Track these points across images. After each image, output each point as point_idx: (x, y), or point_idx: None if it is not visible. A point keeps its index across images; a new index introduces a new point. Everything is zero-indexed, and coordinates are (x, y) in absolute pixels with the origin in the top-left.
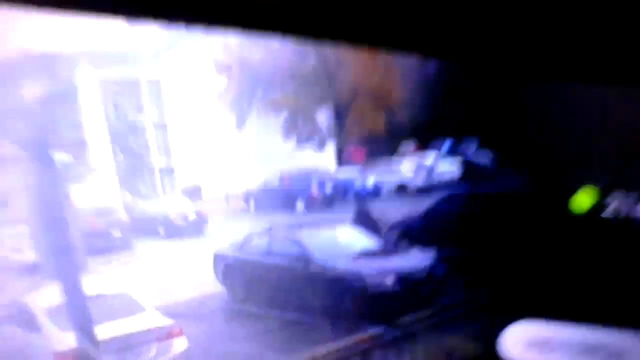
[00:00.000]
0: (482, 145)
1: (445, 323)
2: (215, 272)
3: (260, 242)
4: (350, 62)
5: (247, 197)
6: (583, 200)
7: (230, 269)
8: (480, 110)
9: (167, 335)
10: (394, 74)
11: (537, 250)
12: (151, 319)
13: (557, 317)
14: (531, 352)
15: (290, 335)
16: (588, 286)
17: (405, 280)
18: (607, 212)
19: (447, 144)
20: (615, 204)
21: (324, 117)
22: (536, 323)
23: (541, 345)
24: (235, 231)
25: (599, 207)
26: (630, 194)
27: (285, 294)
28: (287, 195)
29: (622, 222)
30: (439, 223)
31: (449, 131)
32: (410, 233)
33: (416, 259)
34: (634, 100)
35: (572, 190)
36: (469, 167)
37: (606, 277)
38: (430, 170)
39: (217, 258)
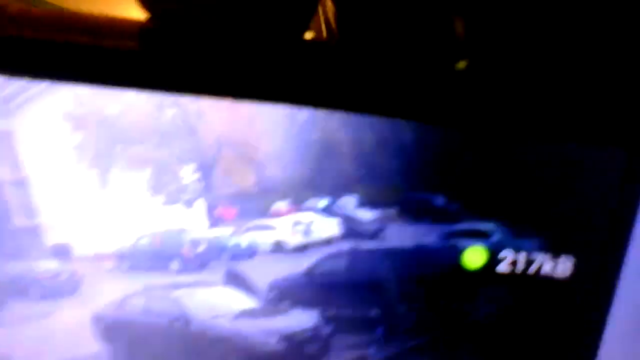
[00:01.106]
0: (363, 201)
1: None
2: (95, 333)
3: (137, 302)
4: (211, 114)
5: (119, 257)
6: (474, 257)
7: (110, 330)
8: (361, 164)
9: None
10: (261, 125)
11: (428, 307)
12: None
13: None
14: None
15: None
16: (482, 343)
17: (290, 339)
18: (504, 269)
19: (323, 202)
20: (510, 261)
21: (190, 174)
22: None
23: None
24: (110, 291)
25: (493, 263)
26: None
27: (168, 354)
28: (159, 255)
29: (521, 279)
30: (321, 282)
31: (326, 188)
32: (291, 292)
33: (299, 318)
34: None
35: (463, 246)
36: (349, 225)
37: (501, 334)
38: (307, 229)
39: (96, 319)
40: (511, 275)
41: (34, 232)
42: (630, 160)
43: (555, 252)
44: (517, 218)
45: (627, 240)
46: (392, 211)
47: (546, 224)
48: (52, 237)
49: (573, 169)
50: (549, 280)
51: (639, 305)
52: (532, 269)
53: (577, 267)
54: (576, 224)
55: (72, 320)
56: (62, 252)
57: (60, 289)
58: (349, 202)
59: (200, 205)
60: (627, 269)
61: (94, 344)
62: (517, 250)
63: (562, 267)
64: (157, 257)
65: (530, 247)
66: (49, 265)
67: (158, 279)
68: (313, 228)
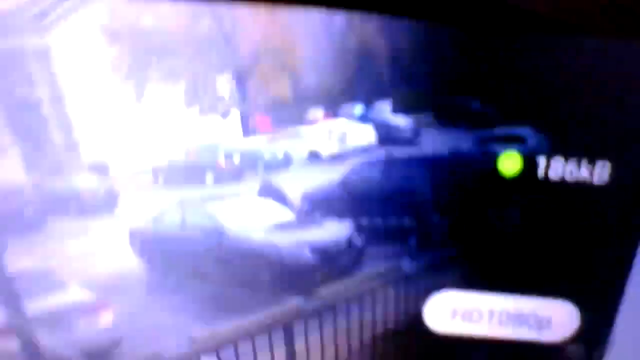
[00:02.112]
0: (398, 107)
1: (367, 294)
2: (133, 247)
3: (173, 217)
4: (247, 22)
5: (155, 171)
6: (509, 163)
7: (147, 244)
8: (395, 69)
9: (92, 309)
10: (296, 33)
11: (462, 216)
12: (76, 294)
13: (483, 286)
14: (456, 321)
15: (211, 307)
16: (517, 253)
17: (322, 251)
18: (541, 176)
19: (359, 108)
20: (549, 167)
21: (225, 84)
22: (460, 292)
23: (466, 314)
24: (147, 206)
25: (529, 170)
26: (571, 157)
27: (203, 266)
28: (195, 168)
29: (557, 186)
30: (355, 191)
31: (360, 93)
32: (326, 203)
33: (332, 229)
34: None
35: (499, 152)
36: (384, 132)
37: (536, 244)
38: (343, 137)
39: (133, 233)
40: (548, 182)
41: (72, 148)
42: None
43: (592, 157)
44: (553, 121)
45: None
46: (427, 117)
47: (582, 127)
48: (90, 153)
49: (608, 67)
50: (588, 187)
51: None
52: (570, 176)
53: (615, 172)
54: (613, 127)
55: (110, 234)
56: (100, 167)
57: (98, 205)
58: (383, 108)
59: (235, 115)
60: None
61: (132, 259)
62: (553, 155)
63: (599, 172)
64: (192, 170)
65: (566, 153)
66: (87, 181)
67: (193, 192)
68: (348, 135)
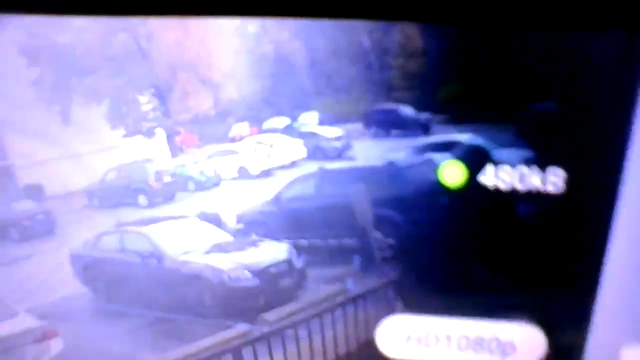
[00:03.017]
0: (325, 117)
1: (315, 318)
2: (75, 272)
3: (111, 240)
4: (161, 35)
5: (89, 193)
6: (452, 173)
7: (89, 268)
8: (318, 76)
9: (43, 336)
10: (212, 44)
11: (406, 233)
12: (25, 322)
13: (437, 309)
14: (411, 346)
15: (159, 333)
16: (469, 271)
17: (262, 273)
18: (488, 185)
19: (285, 120)
20: (497, 176)
21: (147, 102)
22: (413, 316)
23: (421, 339)
24: (85, 229)
25: (474, 179)
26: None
27: (146, 291)
28: (127, 189)
29: (507, 196)
30: (290, 209)
31: (285, 105)
32: (260, 223)
33: (271, 250)
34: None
35: (439, 161)
36: (313, 145)
37: (490, 260)
38: (271, 151)
39: (74, 258)
40: (496, 192)
41: (5, 173)
42: (629, 43)
43: (543, 164)
44: (498, 124)
45: (626, 150)
46: (357, 126)
47: (531, 129)
48: (23, 178)
49: (564, 59)
50: (540, 196)
51: None
52: (520, 185)
53: (570, 180)
54: (566, 130)
55: (52, 260)
56: (34, 192)
57: (37, 229)
58: (310, 120)
59: (161, 134)
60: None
61: (75, 283)
62: (500, 163)
63: (553, 180)
64: (124, 192)
65: (514, 160)
66: (24, 206)
67: (128, 215)
68: (276, 150)
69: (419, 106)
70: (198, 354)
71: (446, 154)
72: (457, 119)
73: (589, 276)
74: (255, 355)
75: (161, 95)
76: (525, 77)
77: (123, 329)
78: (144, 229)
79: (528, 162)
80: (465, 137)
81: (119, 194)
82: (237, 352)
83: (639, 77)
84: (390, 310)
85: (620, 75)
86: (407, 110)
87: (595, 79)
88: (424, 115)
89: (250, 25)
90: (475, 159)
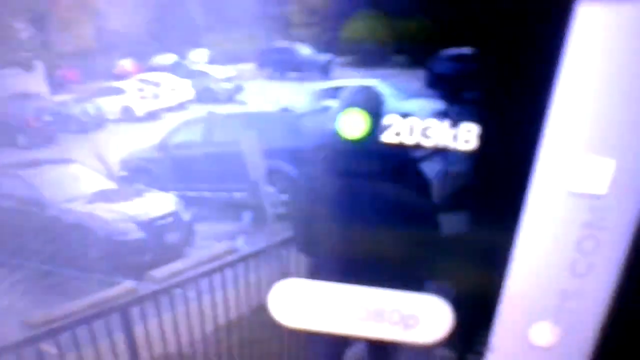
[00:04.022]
0: (216, 56)
1: (204, 278)
2: None
3: None
4: None
5: None
6: (352, 123)
7: None
8: (209, 10)
9: None
10: None
11: (299, 187)
12: None
13: (334, 274)
14: (305, 313)
15: (43, 288)
16: (368, 234)
17: (147, 225)
18: (390, 139)
19: (173, 57)
20: (400, 130)
21: (25, 31)
22: (308, 281)
23: (316, 306)
24: None
25: (375, 132)
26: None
27: (26, 241)
28: (4, 126)
29: (412, 153)
30: (178, 157)
31: (172, 40)
32: (146, 170)
33: (156, 201)
34: None
35: (339, 109)
36: (203, 85)
37: (391, 222)
38: (157, 91)
39: None
40: (401, 147)
41: None
42: None
43: (456, 118)
44: (407, 70)
45: (547, 109)
46: (250, 66)
47: (444, 78)
48: None
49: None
50: (451, 154)
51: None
52: (427, 140)
53: (484, 136)
54: (484, 80)
55: None
56: None
57: None
58: (200, 58)
59: (40, 67)
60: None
61: None
62: (406, 115)
63: (464, 137)
64: (1, 129)
65: (424, 112)
66: None
67: (6, 156)
68: (163, 90)
69: (320, 46)
70: (84, 311)
71: (347, 101)
72: (361, 63)
73: (499, 246)
74: (144, 316)
75: (39, 23)
76: (440, 16)
77: (7, 281)
78: (24, 172)
79: (438, 115)
80: (369, 83)
81: None
82: (124, 312)
83: (566, 26)
84: (284, 274)
85: (547, 23)
86: (306, 51)
87: (518, 25)
88: (325, 57)
89: None
90: (378, 109)
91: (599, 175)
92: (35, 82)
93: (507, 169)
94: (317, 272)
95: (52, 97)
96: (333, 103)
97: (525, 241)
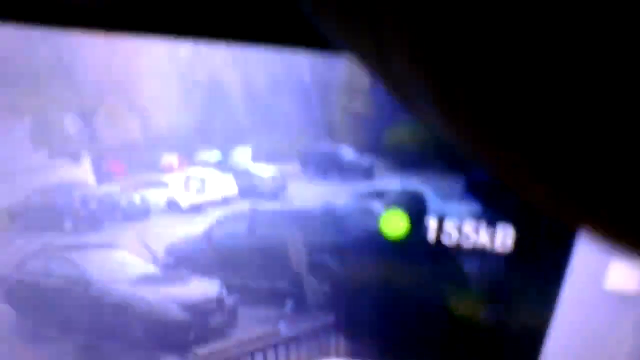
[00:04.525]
0: (260, 154)
1: (246, 357)
2: None
3: (37, 264)
4: (87, 52)
5: (10, 213)
6: (393, 223)
7: (13, 291)
8: (254, 109)
9: None
10: (141, 64)
11: (342, 281)
12: None
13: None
14: None
15: None
16: (408, 324)
17: (191, 308)
18: (430, 239)
19: (217, 154)
20: (441, 231)
21: (72, 123)
22: None
23: None
24: (9, 251)
25: (417, 233)
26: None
27: (72, 317)
28: (52, 212)
29: (451, 252)
30: (221, 246)
31: (217, 138)
32: (190, 258)
33: (200, 286)
34: None
35: (380, 210)
36: (246, 182)
37: (431, 316)
38: (201, 186)
39: None
40: (439, 247)
41: None
42: None
43: (493, 220)
44: (448, 175)
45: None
46: (293, 166)
47: (482, 183)
48: None
49: None
50: (487, 254)
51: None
52: (465, 240)
53: (520, 238)
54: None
55: None
56: None
57: None
58: (244, 155)
59: (87, 158)
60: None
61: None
62: (446, 216)
63: (501, 239)
64: (49, 215)
65: (462, 214)
66: None
67: (54, 239)
68: (207, 185)
69: (363, 149)
70: None
71: (388, 203)
72: (403, 167)
73: (530, 345)
74: None
75: (87, 118)
76: None
77: (48, 352)
78: (70, 255)
79: (477, 217)
80: (410, 186)
81: (44, 217)
82: None
83: None
84: (323, 355)
85: None
86: (349, 153)
87: None
88: (367, 160)
89: (183, 49)
90: (419, 211)
91: (633, 274)
92: (82, 173)
93: (542, 268)
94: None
95: (99, 187)
96: (375, 204)
97: (558, 336)
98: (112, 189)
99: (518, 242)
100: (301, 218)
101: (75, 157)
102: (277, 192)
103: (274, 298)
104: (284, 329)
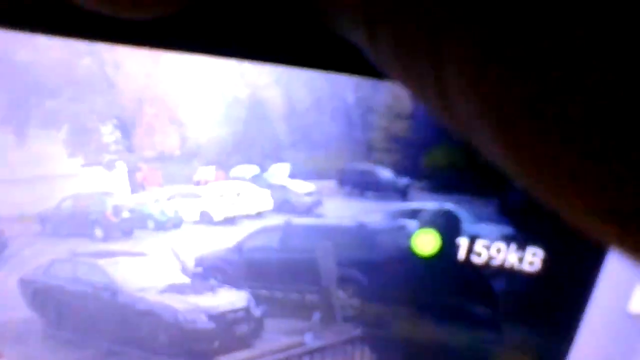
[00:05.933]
0: (297, 171)
1: None
2: (24, 297)
3: (64, 268)
4: (129, 65)
5: (41, 219)
6: (425, 242)
7: (39, 295)
8: (294, 128)
9: None
10: (183, 79)
11: (370, 295)
12: None
13: None
14: None
15: None
16: (435, 340)
17: (218, 318)
18: (461, 258)
19: (254, 169)
20: (471, 250)
21: (109, 133)
22: None
23: None
24: (37, 255)
25: (447, 250)
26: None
27: (98, 322)
28: (83, 219)
29: (479, 271)
30: (252, 259)
31: (256, 154)
32: (220, 269)
33: (228, 297)
34: None
35: (413, 228)
36: (282, 197)
37: (458, 333)
38: (237, 200)
39: (24, 283)
40: (469, 266)
41: None
42: None
43: (522, 242)
44: (481, 197)
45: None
46: (330, 183)
47: (512, 206)
48: None
49: None
50: (516, 274)
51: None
52: (495, 261)
53: (548, 260)
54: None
55: (1, 282)
56: None
57: None
58: (281, 172)
59: (122, 168)
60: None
61: (23, 309)
62: (477, 237)
63: (530, 260)
64: (80, 222)
65: (493, 235)
66: None
67: (83, 245)
68: (242, 199)
69: (399, 170)
70: None
71: (422, 222)
72: (438, 188)
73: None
74: None
75: (125, 128)
76: None
77: (73, 357)
78: (99, 261)
79: (507, 238)
80: (444, 207)
81: (74, 223)
82: None
83: None
84: None
85: None
86: (386, 174)
87: None
88: (403, 180)
89: (227, 66)
90: (451, 231)
91: None
92: (116, 181)
93: (568, 289)
94: None
95: (132, 196)
96: (409, 222)
97: (580, 357)
98: (145, 198)
99: (546, 263)
100: (334, 233)
101: (109, 166)
102: (312, 207)
103: (301, 310)
104: (310, 340)
